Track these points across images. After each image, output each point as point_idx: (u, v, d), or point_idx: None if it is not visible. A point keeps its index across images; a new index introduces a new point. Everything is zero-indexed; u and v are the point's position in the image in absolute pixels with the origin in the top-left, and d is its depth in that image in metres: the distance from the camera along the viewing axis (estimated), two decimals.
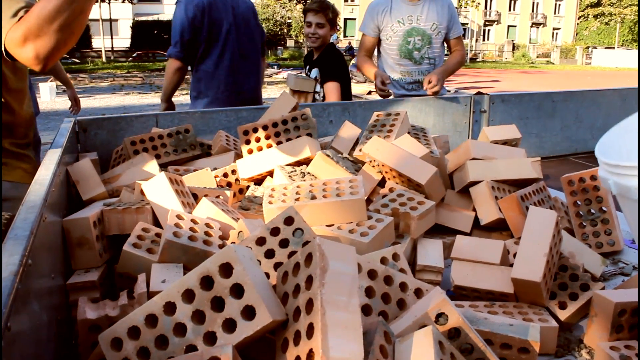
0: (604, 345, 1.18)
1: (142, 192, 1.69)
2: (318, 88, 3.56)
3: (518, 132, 2.10)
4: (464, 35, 3.92)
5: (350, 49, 28.15)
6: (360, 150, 1.94)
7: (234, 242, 1.40)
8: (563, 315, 1.34)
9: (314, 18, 3.57)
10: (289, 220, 1.22)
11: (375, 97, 4.02)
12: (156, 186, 1.60)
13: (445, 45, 3.64)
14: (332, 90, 3.41)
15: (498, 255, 1.45)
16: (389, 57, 3.61)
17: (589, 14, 58.77)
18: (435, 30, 3.46)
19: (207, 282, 0.91)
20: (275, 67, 26.86)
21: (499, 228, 1.79)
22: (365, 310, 1.07)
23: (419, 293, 1.16)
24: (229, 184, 2.04)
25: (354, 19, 50.42)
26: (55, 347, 1.12)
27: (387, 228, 1.46)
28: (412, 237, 1.57)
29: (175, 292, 0.92)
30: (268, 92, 16.09)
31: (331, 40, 3.67)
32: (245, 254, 0.92)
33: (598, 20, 57.47)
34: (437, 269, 1.49)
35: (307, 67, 3.77)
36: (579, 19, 60.27)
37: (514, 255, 1.51)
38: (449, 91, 4.05)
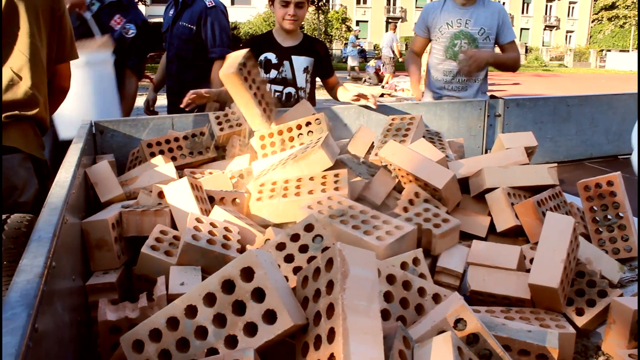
0: (622, 353, 1.18)
1: (160, 195, 1.70)
2: (305, 81, 3.15)
3: (534, 139, 2.09)
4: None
5: (362, 51, 28.09)
6: (376, 154, 1.94)
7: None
8: (580, 321, 1.34)
9: None
10: (309, 227, 1.23)
11: (389, 100, 4.02)
12: (177, 190, 1.62)
13: (498, 49, 3.66)
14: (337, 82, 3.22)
15: (515, 261, 1.44)
16: (435, 57, 3.65)
17: (603, 17, 58.35)
18: (483, 35, 3.47)
19: (228, 286, 0.92)
20: None
21: (515, 233, 1.79)
22: (384, 314, 1.07)
23: (437, 298, 1.16)
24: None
25: (367, 22, 50.40)
26: (76, 348, 1.13)
27: (407, 237, 1.44)
28: (432, 254, 1.56)
29: (197, 296, 0.93)
30: None
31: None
32: (266, 259, 0.93)
33: (612, 23, 57.05)
34: (456, 274, 1.49)
35: (274, 55, 3.14)
36: (592, 21, 59.83)
37: (531, 261, 1.51)
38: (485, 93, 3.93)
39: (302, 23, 3.24)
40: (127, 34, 3.24)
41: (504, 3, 56.06)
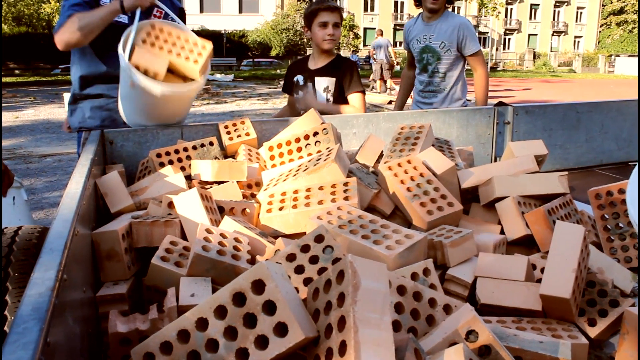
0: None
1: (170, 206, 1.71)
2: (327, 100, 3.41)
3: (545, 147, 2.08)
4: (484, 44, 4.04)
5: (369, 58, 28.17)
6: (385, 162, 1.94)
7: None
8: (593, 332, 1.32)
9: (330, 17, 3.26)
10: (319, 238, 1.23)
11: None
12: (187, 201, 1.62)
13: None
14: (360, 101, 3.34)
15: (522, 272, 1.43)
16: (417, 69, 4.06)
17: (611, 22, 58.21)
18: (444, 48, 3.78)
19: (239, 299, 0.92)
20: None
21: (525, 242, 1.78)
22: (395, 326, 1.07)
23: (448, 309, 1.16)
24: (253, 195, 2.05)
25: (374, 29, 50.47)
26: None
27: (418, 246, 1.43)
28: (447, 265, 1.54)
29: (208, 308, 0.93)
30: None
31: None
32: (277, 271, 0.93)
33: (621, 27, 56.90)
34: (464, 283, 1.48)
35: (302, 77, 3.52)
36: (601, 26, 59.68)
37: (542, 270, 1.50)
38: (470, 100, 4.17)
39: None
40: None
41: (511, 10, 56.09)
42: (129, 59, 2.27)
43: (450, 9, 3.95)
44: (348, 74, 3.36)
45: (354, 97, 3.34)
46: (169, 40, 2.40)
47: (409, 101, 4.55)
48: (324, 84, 3.37)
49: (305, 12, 3.42)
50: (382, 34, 19.35)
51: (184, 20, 3.03)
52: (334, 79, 3.35)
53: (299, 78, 3.50)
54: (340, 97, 3.37)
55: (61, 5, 2.68)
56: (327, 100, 3.37)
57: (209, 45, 2.43)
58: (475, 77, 3.89)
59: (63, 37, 2.59)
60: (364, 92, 3.41)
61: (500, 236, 1.68)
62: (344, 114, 2.98)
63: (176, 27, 2.45)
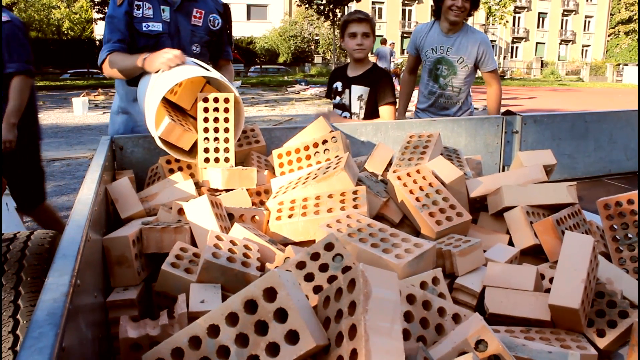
0: None
1: (180, 212, 1.72)
2: (359, 108, 3.47)
3: (553, 157, 2.08)
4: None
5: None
6: (394, 172, 1.95)
7: (276, 266, 1.42)
8: (602, 343, 1.32)
9: (359, 28, 3.38)
10: (329, 246, 1.23)
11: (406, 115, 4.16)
12: (197, 208, 1.63)
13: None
14: (390, 113, 3.41)
15: (531, 282, 1.43)
16: (423, 77, 3.97)
17: (619, 31, 58.09)
18: (462, 63, 3.71)
19: (251, 306, 0.93)
20: (303, 83, 26.95)
21: (534, 251, 1.78)
22: (404, 335, 1.07)
23: (457, 318, 1.16)
24: (262, 202, 2.06)
25: (381, 36, 50.53)
26: None
27: (427, 255, 1.44)
28: (456, 274, 1.54)
29: (219, 315, 0.94)
30: (296, 109, 16.21)
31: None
32: (288, 279, 0.94)
33: (629, 37, 56.76)
34: (473, 292, 1.48)
35: (340, 84, 3.62)
36: (609, 35, 59.56)
37: (550, 280, 1.50)
38: (477, 109, 4.13)
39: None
40: (214, 26, 2.89)
41: (519, 18, 56.07)
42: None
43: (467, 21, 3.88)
44: (382, 85, 3.43)
45: (384, 109, 3.40)
46: (220, 124, 2.16)
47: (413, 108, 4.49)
48: (358, 92, 3.45)
49: (340, 24, 3.57)
50: (385, 43, 19.40)
51: (229, 17, 3.03)
52: (368, 89, 3.43)
53: (338, 85, 3.59)
54: (372, 107, 3.43)
55: (105, 21, 2.71)
56: (360, 107, 3.45)
57: (229, 162, 2.16)
58: (489, 92, 3.87)
59: (106, 73, 2.70)
60: (395, 104, 3.47)
61: (512, 252, 1.68)
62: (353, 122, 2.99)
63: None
